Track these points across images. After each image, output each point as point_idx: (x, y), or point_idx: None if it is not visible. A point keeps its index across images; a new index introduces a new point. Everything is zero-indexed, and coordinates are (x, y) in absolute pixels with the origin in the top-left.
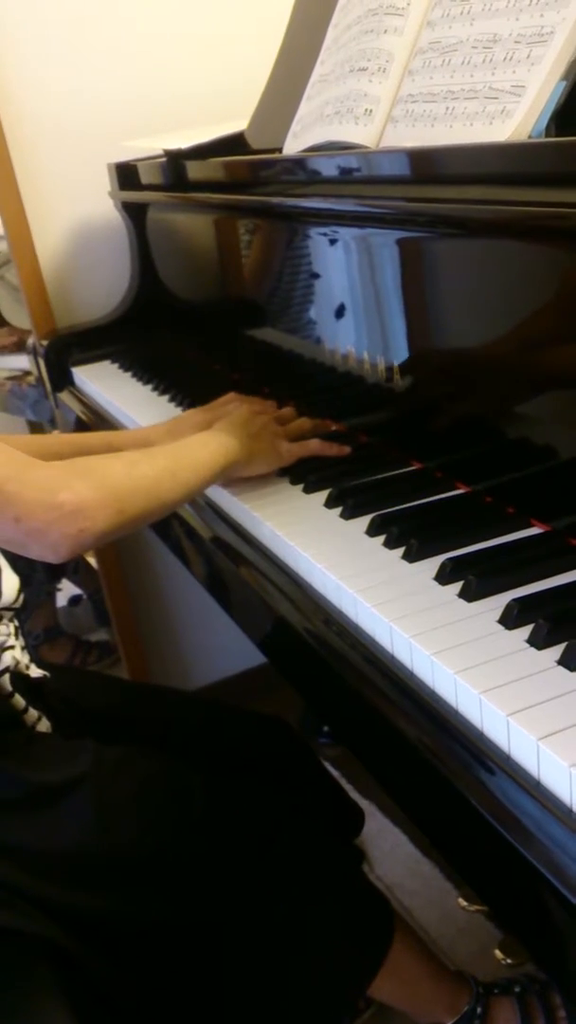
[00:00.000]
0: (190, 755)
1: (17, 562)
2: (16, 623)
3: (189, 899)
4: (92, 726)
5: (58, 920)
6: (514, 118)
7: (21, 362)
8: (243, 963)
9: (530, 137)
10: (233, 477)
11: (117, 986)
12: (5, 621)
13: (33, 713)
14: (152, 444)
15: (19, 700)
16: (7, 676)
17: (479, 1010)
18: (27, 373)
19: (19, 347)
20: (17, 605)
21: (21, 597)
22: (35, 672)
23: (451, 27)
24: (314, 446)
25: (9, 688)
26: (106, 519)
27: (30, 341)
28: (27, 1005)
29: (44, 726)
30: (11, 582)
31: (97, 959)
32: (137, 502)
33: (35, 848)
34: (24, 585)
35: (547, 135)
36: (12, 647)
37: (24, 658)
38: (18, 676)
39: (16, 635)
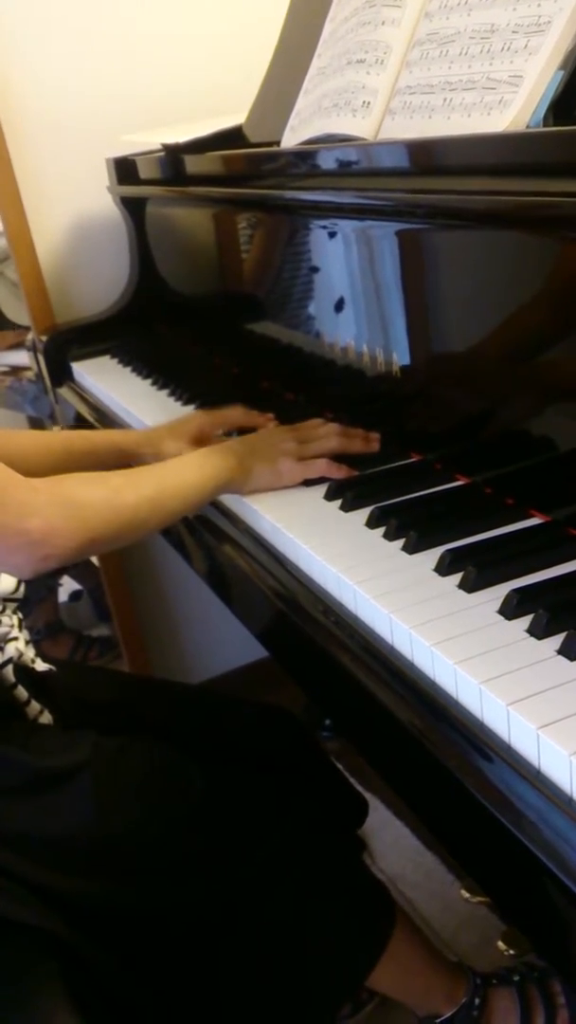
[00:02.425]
0: (192, 746)
1: None
2: (20, 615)
3: (190, 885)
4: (95, 720)
5: (61, 910)
6: (512, 108)
7: (20, 358)
8: (244, 951)
9: (528, 127)
10: (232, 493)
11: (119, 978)
12: (8, 613)
13: (35, 706)
14: (155, 446)
15: (22, 692)
16: (10, 667)
17: (477, 1001)
18: (26, 368)
19: (19, 343)
20: (18, 596)
21: (22, 588)
22: (41, 666)
23: (449, 18)
24: (321, 467)
25: (12, 679)
26: (75, 548)
27: (29, 336)
28: (30, 999)
29: (46, 719)
30: None
31: (99, 950)
32: (111, 531)
33: (37, 834)
34: (26, 579)
35: (545, 125)
36: (15, 638)
37: (29, 651)
38: (22, 669)
39: (19, 627)
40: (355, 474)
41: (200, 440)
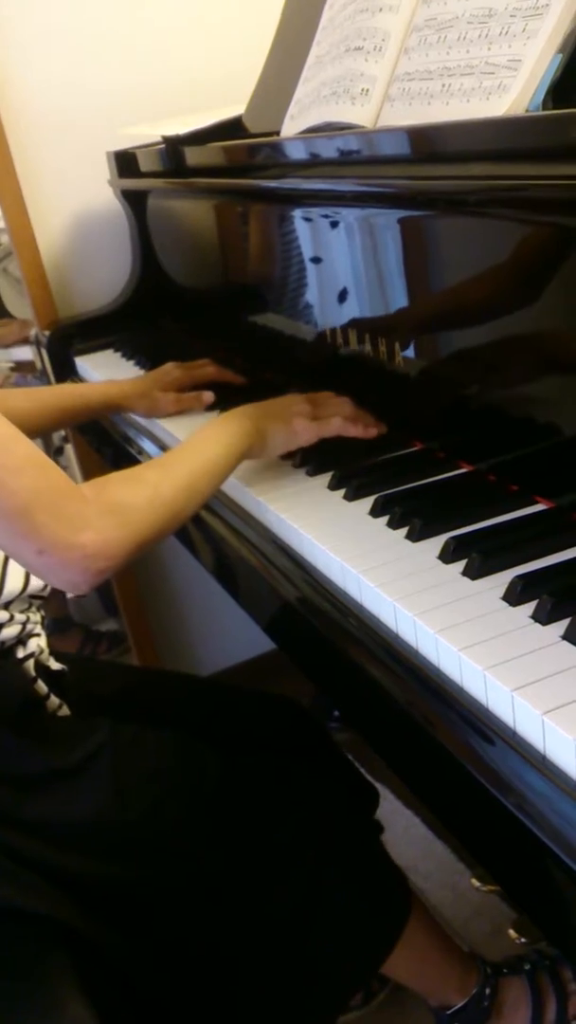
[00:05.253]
0: (204, 734)
1: None
2: (43, 613)
3: (205, 868)
4: (108, 711)
5: (76, 895)
6: (511, 93)
7: (24, 353)
8: (260, 934)
9: (527, 111)
10: (251, 459)
11: (131, 964)
12: (33, 610)
13: (55, 700)
14: (147, 396)
15: (42, 686)
16: (32, 661)
17: (488, 990)
18: (30, 363)
19: (23, 339)
20: (44, 594)
21: (49, 586)
22: (55, 665)
23: (446, 3)
24: (336, 425)
25: (33, 673)
26: (125, 556)
27: (32, 332)
28: (43, 990)
29: (64, 713)
30: None
31: (113, 939)
32: (155, 531)
33: (56, 820)
34: (80, 594)
35: (544, 109)
36: (39, 635)
37: (47, 649)
38: (40, 665)
39: (42, 624)
40: (372, 432)
41: (180, 392)
